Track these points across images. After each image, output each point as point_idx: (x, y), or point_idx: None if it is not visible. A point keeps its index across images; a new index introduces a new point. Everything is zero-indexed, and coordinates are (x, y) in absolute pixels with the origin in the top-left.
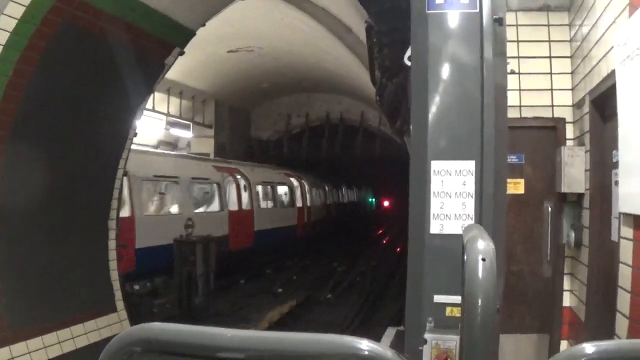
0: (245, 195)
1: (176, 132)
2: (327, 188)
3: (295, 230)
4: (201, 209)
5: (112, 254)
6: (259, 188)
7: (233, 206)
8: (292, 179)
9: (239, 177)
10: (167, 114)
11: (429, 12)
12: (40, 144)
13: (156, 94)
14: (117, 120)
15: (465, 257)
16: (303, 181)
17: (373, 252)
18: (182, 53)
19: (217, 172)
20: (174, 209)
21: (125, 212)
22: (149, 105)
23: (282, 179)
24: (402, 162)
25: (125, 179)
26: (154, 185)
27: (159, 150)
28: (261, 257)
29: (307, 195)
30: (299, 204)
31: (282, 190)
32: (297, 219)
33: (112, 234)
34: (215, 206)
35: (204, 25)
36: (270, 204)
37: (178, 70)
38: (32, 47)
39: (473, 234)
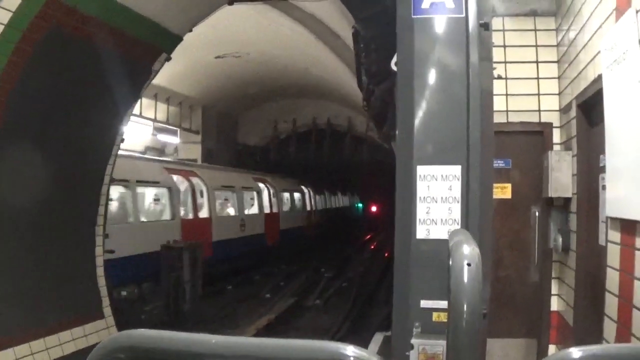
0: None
1: (163, 138)
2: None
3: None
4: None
5: (100, 260)
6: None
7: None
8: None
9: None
10: (155, 120)
11: (415, 17)
12: (25, 149)
13: (143, 99)
14: (104, 126)
15: (450, 262)
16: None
17: (361, 257)
18: (169, 59)
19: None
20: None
21: None
22: (136, 110)
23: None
24: (389, 167)
25: None
26: None
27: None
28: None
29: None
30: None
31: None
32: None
33: (100, 240)
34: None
35: (191, 30)
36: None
37: (165, 75)
38: (18, 52)
39: (458, 239)
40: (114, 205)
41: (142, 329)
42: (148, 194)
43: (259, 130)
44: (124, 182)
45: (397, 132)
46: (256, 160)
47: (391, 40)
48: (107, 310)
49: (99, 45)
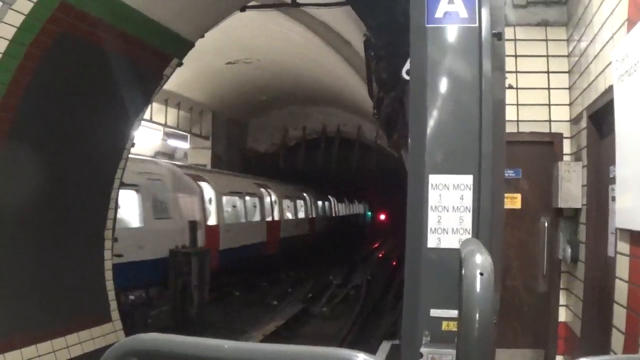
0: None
1: (173, 143)
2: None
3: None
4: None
5: (108, 264)
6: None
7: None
8: (262, 190)
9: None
10: (165, 125)
11: (428, 26)
12: (36, 153)
13: (154, 104)
14: (114, 130)
15: (462, 272)
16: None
17: (369, 265)
18: (180, 64)
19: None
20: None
21: None
22: (146, 115)
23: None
24: (398, 176)
25: None
26: None
27: None
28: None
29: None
30: (268, 217)
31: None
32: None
33: (108, 244)
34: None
35: (202, 36)
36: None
37: (176, 81)
38: (29, 56)
39: (471, 249)
40: None
41: (154, 333)
42: None
43: (268, 137)
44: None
45: (409, 140)
46: (265, 166)
47: (402, 48)
48: (115, 313)
49: (110, 50)
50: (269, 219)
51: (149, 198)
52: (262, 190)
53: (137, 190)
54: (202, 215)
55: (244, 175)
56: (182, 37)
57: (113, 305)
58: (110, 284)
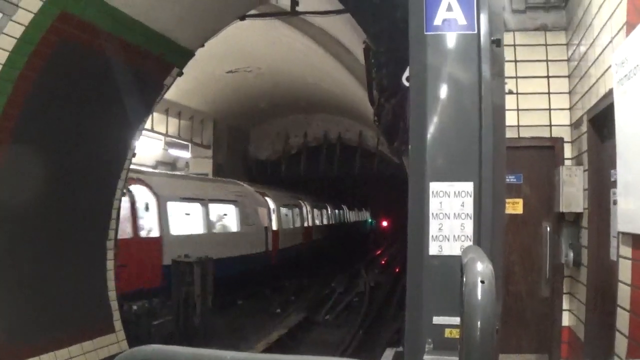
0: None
1: (175, 152)
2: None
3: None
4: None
5: (111, 274)
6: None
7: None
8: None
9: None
10: (166, 134)
11: (427, 33)
12: (37, 162)
13: (155, 114)
14: (115, 141)
15: (464, 280)
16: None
17: (372, 272)
18: (181, 73)
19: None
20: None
21: None
22: (147, 125)
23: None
24: (400, 182)
25: None
26: None
27: None
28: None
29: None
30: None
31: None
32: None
33: (111, 254)
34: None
35: (203, 45)
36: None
37: (177, 90)
38: (30, 66)
39: (472, 256)
40: None
41: (156, 345)
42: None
43: (269, 145)
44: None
45: (409, 147)
46: (267, 174)
47: (402, 55)
48: (118, 323)
49: (111, 60)
50: (306, 224)
51: (242, 210)
52: (300, 202)
53: (235, 205)
54: (269, 222)
55: (286, 190)
56: (183, 46)
57: (116, 315)
58: (113, 294)
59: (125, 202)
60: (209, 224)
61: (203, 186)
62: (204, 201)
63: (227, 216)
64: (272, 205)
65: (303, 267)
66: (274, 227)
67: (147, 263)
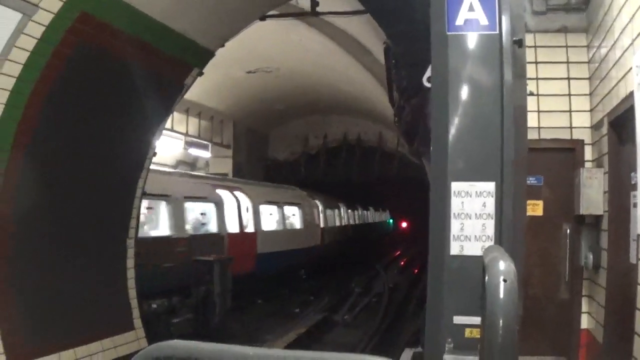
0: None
1: (195, 152)
2: (343, 209)
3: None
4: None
5: (131, 273)
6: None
7: (234, 229)
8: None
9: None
10: (186, 134)
11: (449, 34)
12: (57, 164)
13: (175, 113)
14: (135, 140)
15: (486, 278)
16: (342, 205)
17: (391, 273)
18: (201, 74)
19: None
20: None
21: None
22: (167, 125)
23: (334, 204)
24: (420, 183)
25: None
26: None
27: None
28: None
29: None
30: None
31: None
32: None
33: (131, 253)
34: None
35: (223, 45)
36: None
37: (197, 90)
38: (50, 67)
39: (494, 255)
40: None
41: (176, 340)
42: None
43: (288, 146)
44: None
45: (430, 148)
46: (285, 175)
47: (422, 56)
48: (138, 322)
49: (130, 60)
50: (343, 223)
51: (304, 211)
52: (338, 204)
53: (299, 207)
54: (319, 221)
55: (328, 194)
56: (203, 46)
57: (135, 313)
58: (132, 292)
59: (233, 205)
60: (284, 222)
61: (277, 192)
62: (280, 204)
63: (294, 216)
64: (320, 207)
65: (340, 259)
66: (322, 225)
67: (248, 252)
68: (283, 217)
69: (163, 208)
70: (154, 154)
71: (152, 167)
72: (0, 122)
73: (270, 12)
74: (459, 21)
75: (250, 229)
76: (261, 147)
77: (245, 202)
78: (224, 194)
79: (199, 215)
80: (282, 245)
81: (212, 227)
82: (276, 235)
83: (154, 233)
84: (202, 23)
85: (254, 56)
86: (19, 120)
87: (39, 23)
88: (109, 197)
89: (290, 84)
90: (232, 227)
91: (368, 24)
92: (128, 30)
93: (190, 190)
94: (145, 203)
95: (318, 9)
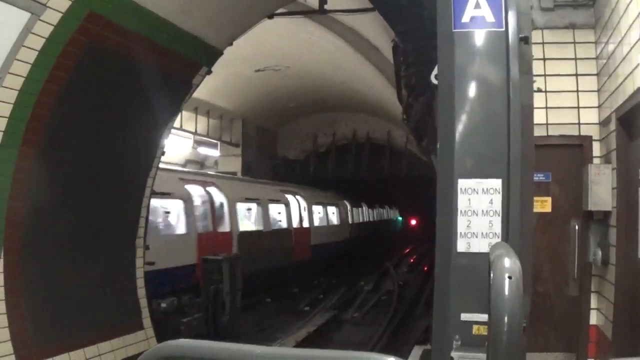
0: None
1: (204, 150)
2: (365, 208)
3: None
4: None
5: (140, 272)
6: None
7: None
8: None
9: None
10: (195, 133)
11: (455, 31)
12: (67, 163)
13: (184, 112)
14: (144, 139)
15: (492, 275)
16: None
17: (400, 270)
18: (209, 72)
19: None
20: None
21: None
22: (176, 124)
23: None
24: (428, 181)
25: None
26: None
27: None
28: None
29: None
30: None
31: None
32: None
33: (140, 252)
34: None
35: (231, 44)
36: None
37: (205, 89)
38: (59, 67)
39: (499, 252)
40: None
41: (185, 339)
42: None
43: (298, 144)
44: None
45: (438, 145)
46: (295, 173)
47: (430, 53)
48: (147, 321)
49: (139, 60)
50: (365, 220)
51: (339, 210)
52: (361, 203)
53: (336, 207)
54: (347, 219)
55: (353, 193)
56: (211, 45)
57: (145, 312)
58: (142, 292)
59: (295, 206)
60: (327, 219)
61: (323, 194)
62: (324, 204)
63: (334, 214)
64: (348, 206)
65: (362, 251)
66: (350, 221)
67: (306, 243)
68: (327, 215)
69: (255, 208)
70: (163, 153)
71: (238, 175)
72: (9, 121)
73: (279, 10)
74: (465, 18)
75: (306, 224)
76: (270, 146)
77: (303, 203)
78: (290, 197)
79: (277, 214)
80: (324, 239)
81: (284, 224)
82: (323, 230)
83: (253, 228)
84: (210, 22)
85: (263, 54)
86: (27, 119)
87: (47, 22)
88: (119, 197)
89: (299, 82)
90: (296, 224)
91: (377, 21)
92: (136, 29)
93: (271, 195)
94: (246, 205)
95: (326, 6)
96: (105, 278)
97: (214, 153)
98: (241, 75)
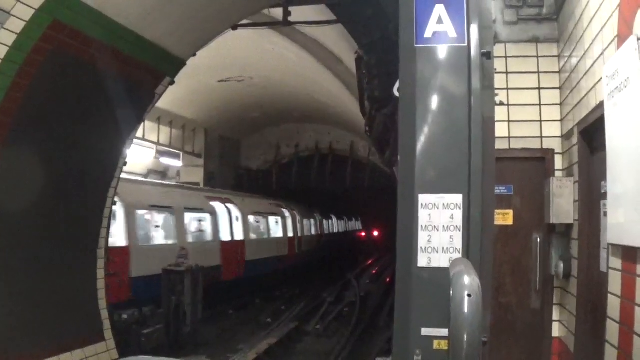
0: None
1: (166, 161)
2: (332, 220)
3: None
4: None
5: (101, 283)
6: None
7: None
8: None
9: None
10: (157, 143)
11: (418, 46)
12: (28, 171)
13: (146, 122)
14: (107, 149)
15: (451, 293)
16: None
17: (362, 282)
18: (172, 82)
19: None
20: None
21: None
22: (139, 134)
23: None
24: (391, 192)
25: None
26: None
27: None
28: None
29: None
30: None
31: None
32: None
33: (102, 263)
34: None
35: (194, 54)
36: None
37: (169, 99)
38: (22, 74)
39: (459, 269)
40: None
41: (147, 356)
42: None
43: (261, 154)
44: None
45: (398, 159)
46: (258, 184)
47: (393, 66)
48: (108, 332)
49: (102, 68)
50: (327, 232)
51: (317, 222)
52: (313, 213)
53: (314, 219)
54: (295, 231)
55: (309, 206)
56: (174, 55)
57: (106, 324)
58: (103, 303)
59: (295, 218)
60: (311, 230)
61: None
62: (308, 218)
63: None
64: (297, 217)
65: (312, 266)
66: (298, 234)
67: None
68: (310, 226)
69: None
70: (125, 164)
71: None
72: None
73: (243, 22)
74: (428, 33)
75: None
76: (233, 156)
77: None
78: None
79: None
80: (308, 246)
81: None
82: (308, 239)
83: (286, 235)
84: (173, 32)
85: (226, 65)
86: None
87: (10, 31)
88: (80, 206)
89: (263, 93)
90: (293, 233)
91: (340, 34)
92: (101, 38)
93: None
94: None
95: (290, 18)
96: (67, 288)
97: (177, 163)
98: (204, 85)
